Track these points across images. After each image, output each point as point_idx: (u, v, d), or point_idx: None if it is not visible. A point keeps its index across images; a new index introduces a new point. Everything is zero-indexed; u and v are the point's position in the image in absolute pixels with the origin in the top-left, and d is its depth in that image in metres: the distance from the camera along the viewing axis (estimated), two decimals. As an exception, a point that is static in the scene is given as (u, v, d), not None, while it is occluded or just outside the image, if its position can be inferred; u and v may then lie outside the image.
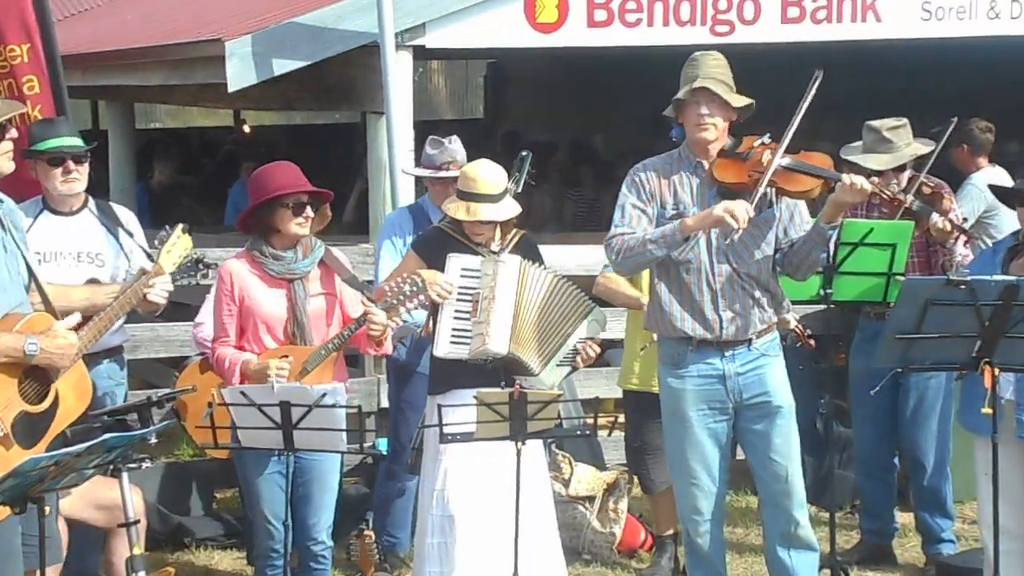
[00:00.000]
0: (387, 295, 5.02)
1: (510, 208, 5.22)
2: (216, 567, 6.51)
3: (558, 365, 5.19)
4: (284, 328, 5.09)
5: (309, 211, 5.07)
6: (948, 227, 6.03)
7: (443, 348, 5.09)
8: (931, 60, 8.80)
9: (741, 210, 4.82)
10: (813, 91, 4.91)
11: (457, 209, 5.15)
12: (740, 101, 5.02)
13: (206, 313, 5.70)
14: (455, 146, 6.00)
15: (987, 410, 4.79)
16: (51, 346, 4.10)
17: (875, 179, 5.35)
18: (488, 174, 5.23)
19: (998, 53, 8.61)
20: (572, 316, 5.20)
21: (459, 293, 5.09)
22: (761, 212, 5.06)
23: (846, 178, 4.94)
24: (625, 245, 5.05)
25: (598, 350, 5.32)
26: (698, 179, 5.12)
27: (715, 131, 5.04)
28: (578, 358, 5.26)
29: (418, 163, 6.33)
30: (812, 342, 5.90)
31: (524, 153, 6.19)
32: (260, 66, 7.24)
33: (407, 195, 7.01)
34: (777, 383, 5.16)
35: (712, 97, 4.96)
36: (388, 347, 5.30)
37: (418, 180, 6.64)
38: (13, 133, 4.26)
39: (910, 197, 6.17)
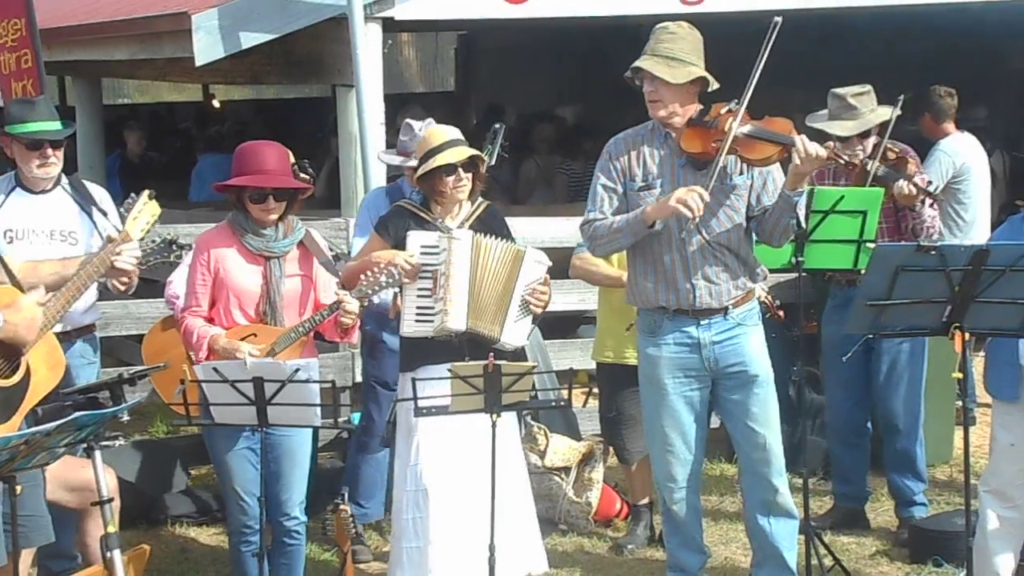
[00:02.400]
0: (362, 285, 5.02)
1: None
2: (192, 544, 6.51)
3: (516, 322, 5.18)
4: (256, 305, 5.09)
5: (272, 202, 5.04)
6: (914, 191, 6.06)
7: (408, 327, 5.12)
8: (899, 27, 8.83)
9: (694, 200, 4.83)
10: (773, 36, 4.92)
11: (445, 157, 5.12)
12: (681, 77, 5.00)
13: (178, 275, 5.65)
14: (430, 124, 5.98)
15: (957, 374, 4.83)
16: (16, 318, 4.11)
17: (831, 143, 5.36)
18: (446, 127, 5.34)
19: (964, 18, 8.64)
20: (513, 270, 5.18)
21: (420, 271, 5.11)
22: (726, 181, 5.09)
23: (800, 144, 4.94)
24: (597, 233, 5.13)
25: (546, 289, 5.29)
26: (667, 150, 5.14)
27: (663, 107, 5.05)
28: (531, 307, 5.24)
29: (391, 143, 6.26)
30: (781, 313, 5.91)
31: (497, 125, 6.18)
32: (227, 39, 7.21)
33: (378, 168, 6.99)
34: (755, 352, 5.20)
35: (653, 74, 4.98)
36: (355, 336, 5.30)
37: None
38: None
39: (875, 163, 6.20)
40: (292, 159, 5.31)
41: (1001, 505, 5.17)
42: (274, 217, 5.08)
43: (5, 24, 6.38)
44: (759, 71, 4.95)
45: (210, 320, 5.09)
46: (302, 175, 5.24)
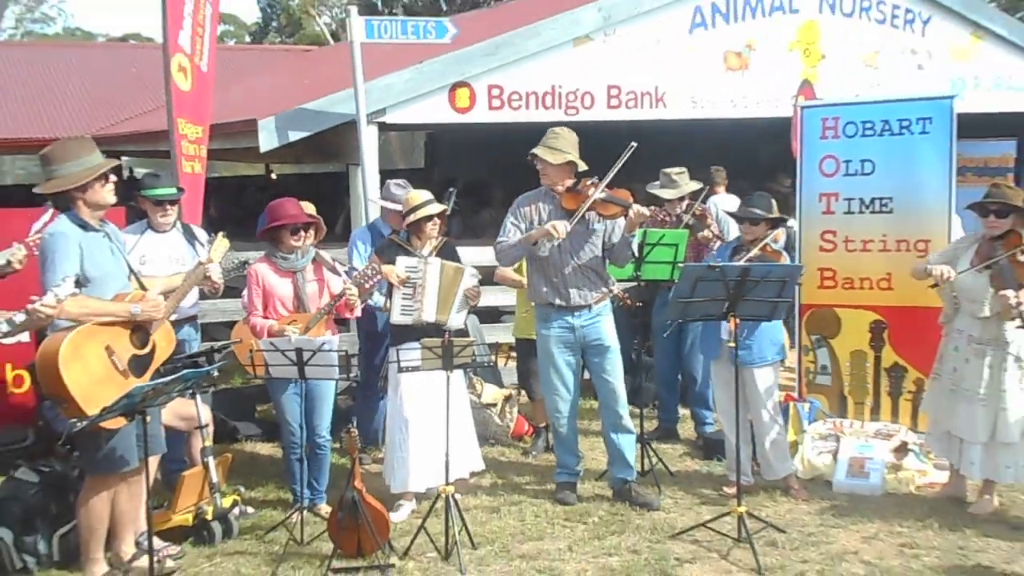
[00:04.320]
0: (358, 278, 5.06)
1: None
2: (258, 454, 6.49)
3: (457, 312, 5.19)
4: (292, 303, 5.09)
5: (302, 233, 5.07)
6: (710, 235, 6.19)
7: (396, 318, 5.12)
8: (699, 131, 8.99)
9: (560, 227, 4.94)
10: (627, 155, 4.98)
11: (427, 210, 5.13)
12: (560, 160, 5.08)
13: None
14: (409, 188, 5.99)
15: (731, 344, 4.94)
16: (146, 305, 4.14)
17: (654, 207, 5.45)
18: (423, 191, 5.31)
19: (738, 127, 8.82)
20: (457, 280, 5.18)
21: (405, 282, 5.11)
22: (590, 227, 5.14)
23: (634, 207, 5.02)
24: (501, 248, 5.20)
25: (477, 290, 5.24)
26: (553, 205, 5.21)
27: (549, 179, 5.14)
28: (468, 301, 5.24)
29: (384, 194, 6.23)
30: (630, 303, 6.04)
31: (451, 189, 6.19)
32: (280, 135, 7.19)
33: (373, 214, 6.97)
34: (607, 331, 5.26)
35: (543, 159, 5.08)
36: (358, 312, 5.30)
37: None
38: (114, 177, 4.25)
39: (688, 216, 6.31)
40: (309, 208, 5.32)
41: (727, 424, 5.33)
42: (300, 244, 5.07)
43: (199, 128, 6.34)
44: (614, 172, 5.01)
45: (267, 316, 5.07)
46: (311, 215, 5.26)
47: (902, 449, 5.70)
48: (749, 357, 5.20)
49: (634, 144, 4.96)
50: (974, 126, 7.75)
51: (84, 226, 4.16)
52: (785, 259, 5.28)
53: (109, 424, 3.94)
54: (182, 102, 6.14)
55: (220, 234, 4.74)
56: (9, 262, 4.38)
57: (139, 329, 4.19)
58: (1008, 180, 9.33)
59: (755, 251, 5.20)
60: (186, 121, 6.18)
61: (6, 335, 3.83)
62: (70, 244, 4.05)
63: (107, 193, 4.19)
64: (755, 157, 10.21)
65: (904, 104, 6.14)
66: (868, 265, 6.14)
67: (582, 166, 5.17)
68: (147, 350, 4.20)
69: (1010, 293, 4.58)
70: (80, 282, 3.96)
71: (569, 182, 5.16)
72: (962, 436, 5.10)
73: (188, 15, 6.18)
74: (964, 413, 5.04)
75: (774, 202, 5.45)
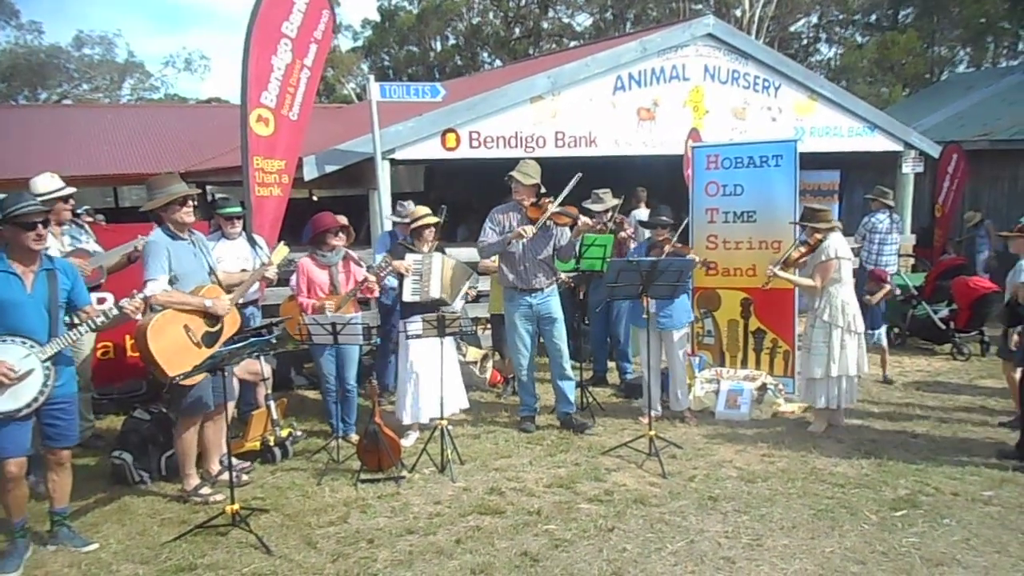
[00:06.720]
0: (376, 269, 4.98)
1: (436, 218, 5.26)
2: (306, 398, 6.39)
3: (458, 298, 5.15)
4: (328, 288, 5.00)
5: (340, 235, 5.01)
6: (625, 236, 6.16)
7: (408, 296, 5.03)
8: (621, 164, 8.97)
9: (528, 229, 4.92)
10: (575, 181, 4.95)
11: (427, 220, 5.09)
12: (530, 181, 5.03)
13: (294, 279, 5.54)
14: (411, 206, 5.92)
15: (647, 315, 4.95)
16: (219, 304, 4.07)
17: (591, 220, 5.45)
18: (424, 207, 5.28)
19: (648, 161, 8.83)
20: (464, 278, 5.15)
21: (414, 271, 5.04)
22: (545, 232, 5.11)
23: (581, 219, 5.01)
24: (482, 247, 5.14)
25: (477, 289, 5.30)
26: (520, 215, 5.16)
27: (520, 196, 5.09)
28: (468, 294, 5.25)
29: (394, 212, 6.16)
30: (572, 285, 5.98)
31: (443, 206, 6.12)
32: (319, 168, 7.04)
33: (387, 225, 6.88)
34: (556, 307, 5.22)
35: (518, 180, 5.00)
36: (376, 293, 5.24)
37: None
38: (193, 201, 4.15)
39: (611, 224, 6.28)
40: (343, 219, 5.23)
41: (647, 372, 5.28)
42: (337, 244, 4.98)
43: (281, 161, 6.06)
44: (567, 191, 4.96)
45: (309, 297, 4.98)
46: (344, 223, 5.17)
47: (762, 388, 5.77)
48: (670, 323, 5.24)
49: (580, 174, 4.94)
50: (811, 161, 7.90)
51: (172, 236, 4.10)
52: (690, 251, 5.31)
53: (189, 381, 3.90)
54: (258, 144, 5.94)
55: (282, 243, 4.65)
56: (136, 248, 4.49)
57: (210, 315, 4.10)
58: (831, 199, 9.51)
59: (668, 248, 5.24)
60: (262, 157, 5.99)
61: (103, 326, 3.68)
62: (160, 249, 4.02)
63: (183, 214, 4.12)
64: (660, 183, 10.22)
65: (763, 145, 6.18)
66: (739, 259, 6.18)
67: (543, 189, 5.14)
68: (216, 328, 4.13)
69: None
70: (172, 280, 3.93)
71: (533, 198, 5.13)
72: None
73: (276, 79, 5.90)
74: (799, 358, 5.15)
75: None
